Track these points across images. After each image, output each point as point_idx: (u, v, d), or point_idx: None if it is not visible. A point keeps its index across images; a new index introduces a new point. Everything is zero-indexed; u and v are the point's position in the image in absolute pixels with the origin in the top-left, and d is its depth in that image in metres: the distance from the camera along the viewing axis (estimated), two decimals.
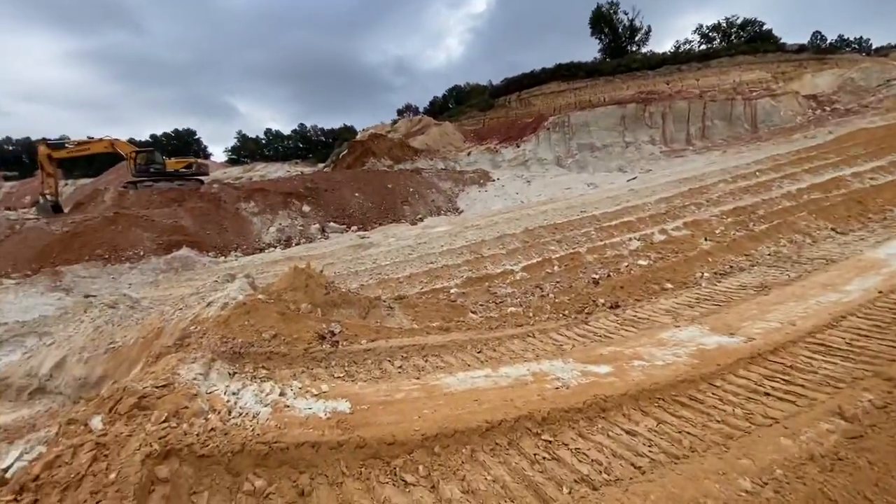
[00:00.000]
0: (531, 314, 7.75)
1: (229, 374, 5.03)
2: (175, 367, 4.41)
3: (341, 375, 5.30)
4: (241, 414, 3.85)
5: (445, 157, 33.29)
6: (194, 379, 4.23)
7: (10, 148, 75.10)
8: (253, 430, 3.62)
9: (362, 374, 5.40)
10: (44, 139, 26.71)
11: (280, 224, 24.13)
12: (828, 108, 31.28)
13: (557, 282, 10.07)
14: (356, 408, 4.20)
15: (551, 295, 8.96)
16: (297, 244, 22.70)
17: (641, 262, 10.31)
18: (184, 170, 27.77)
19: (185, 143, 75.61)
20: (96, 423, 3.47)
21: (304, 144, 68.82)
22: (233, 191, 25.94)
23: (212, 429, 3.53)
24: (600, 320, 7.22)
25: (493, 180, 28.71)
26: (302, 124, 73.87)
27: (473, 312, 8.25)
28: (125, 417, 3.50)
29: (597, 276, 9.79)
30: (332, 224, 24.12)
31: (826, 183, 15.80)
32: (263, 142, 72.54)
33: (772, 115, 31.50)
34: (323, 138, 67.39)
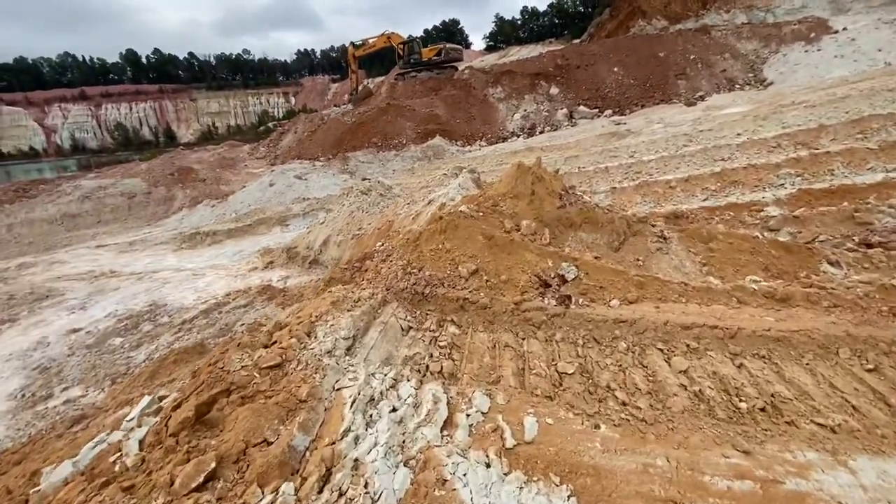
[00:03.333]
0: None
1: (402, 329, 3.23)
2: (314, 324, 2.82)
3: (572, 373, 2.84)
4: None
5: (752, 6, 22.93)
6: (321, 359, 2.49)
7: (334, 55, 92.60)
8: None
9: (610, 380, 2.80)
10: (352, 42, 30.06)
11: (525, 110, 21.56)
12: None
13: None
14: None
15: None
16: (540, 132, 19.95)
17: None
18: (435, 57, 27.31)
19: (450, 34, 77.93)
20: None
21: (560, 19, 60.91)
22: (482, 75, 24.27)
23: None
24: None
25: (835, 32, 18.26)
26: None
27: (833, 264, 4.26)
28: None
29: None
30: (581, 108, 20.10)
31: None
32: (519, 22, 67.77)
33: None
34: (581, 8, 57.84)
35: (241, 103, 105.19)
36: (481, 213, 4.51)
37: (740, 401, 2.69)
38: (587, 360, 3.01)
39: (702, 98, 17.57)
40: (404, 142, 21.50)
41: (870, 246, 4.97)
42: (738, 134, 10.62)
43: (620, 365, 2.99)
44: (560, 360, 3.00)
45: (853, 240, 5.14)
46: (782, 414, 2.58)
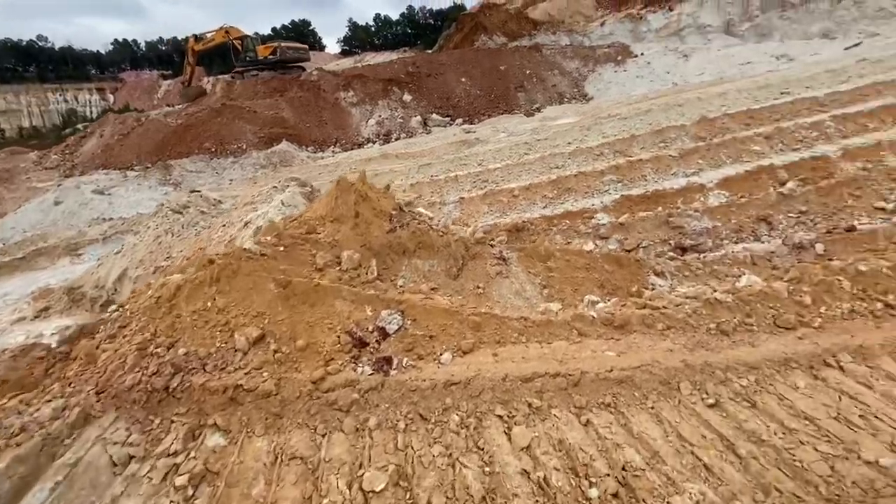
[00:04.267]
0: (803, 296, 3.47)
1: (113, 464, 1.94)
2: None
3: (382, 490, 1.93)
4: None
5: (572, 30, 25.78)
6: None
7: (163, 48, 79.71)
8: None
9: (434, 487, 1.97)
10: (194, 35, 25.72)
11: (379, 116, 20.72)
12: None
13: (803, 212, 5.32)
14: None
15: (813, 244, 4.41)
16: (396, 139, 19.32)
17: None
18: (271, 56, 24.67)
19: (301, 35, 73.55)
20: None
21: (413, 29, 61.79)
22: (332, 78, 22.73)
23: None
24: None
25: (635, 56, 21.39)
26: (410, 6, 66.07)
27: (659, 275, 4.18)
28: None
29: None
30: (434, 116, 20.06)
31: None
32: (373, 29, 66.83)
33: None
34: (431, 21, 59.51)
35: (38, 100, 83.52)
36: (282, 248, 3.38)
37: (590, 485, 2.10)
38: (407, 457, 2.14)
39: (538, 109, 18.88)
40: (244, 147, 18.84)
41: (683, 250, 5.17)
42: (569, 143, 11.26)
43: (450, 455, 2.19)
44: (370, 466, 2.07)
45: (670, 244, 5.35)
46: (636, 496, 2.05)
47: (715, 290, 3.53)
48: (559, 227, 5.96)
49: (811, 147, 7.92)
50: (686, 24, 23.57)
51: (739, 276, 4.01)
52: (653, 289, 4.02)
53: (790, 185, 5.88)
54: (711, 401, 2.64)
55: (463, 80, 21.48)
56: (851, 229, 4.60)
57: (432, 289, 3.74)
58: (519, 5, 30.99)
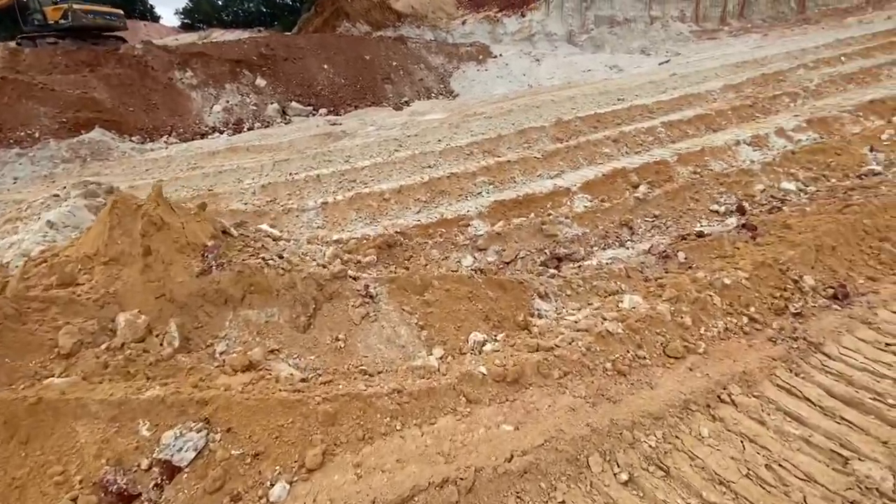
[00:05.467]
0: (683, 317, 3.28)
1: None
2: None
3: None
4: None
5: (435, 26, 25.56)
6: None
7: None
8: None
9: None
10: None
11: (227, 101, 17.72)
12: None
13: (657, 216, 5.48)
14: None
15: (676, 252, 4.42)
16: (249, 128, 16.70)
17: (811, 191, 5.71)
18: (62, 21, 19.13)
19: (126, 2, 60.80)
20: None
21: (268, 8, 55.55)
22: (163, 54, 18.70)
23: None
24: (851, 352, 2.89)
25: (495, 56, 22.03)
26: None
27: (544, 297, 3.71)
28: None
29: (740, 210, 5.28)
30: (294, 104, 17.89)
31: None
32: (220, 3, 58.31)
33: None
34: (290, 1, 54.24)
35: None
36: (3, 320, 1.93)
37: None
38: None
39: (407, 103, 18.15)
40: (37, 135, 14.33)
41: (559, 259, 4.87)
42: (439, 140, 10.72)
43: None
44: None
45: (545, 253, 5.04)
46: None
47: (604, 319, 3.15)
48: (435, 238, 5.25)
49: (649, 150, 8.61)
50: (536, 30, 25.16)
51: (620, 293, 3.77)
52: (539, 316, 3.53)
53: (642, 188, 6.06)
54: (625, 476, 2.15)
55: (325, 66, 19.59)
56: (701, 235, 4.75)
57: (272, 351, 2.65)
58: None
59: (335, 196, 7.70)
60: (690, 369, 2.86)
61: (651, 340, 3.05)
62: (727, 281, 3.50)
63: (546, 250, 5.02)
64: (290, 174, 9.57)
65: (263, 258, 2.94)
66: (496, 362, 2.67)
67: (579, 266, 4.63)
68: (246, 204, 7.91)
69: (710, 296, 3.39)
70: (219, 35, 48.95)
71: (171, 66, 18.31)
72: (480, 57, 21.84)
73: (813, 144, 6.56)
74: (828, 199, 5.14)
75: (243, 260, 2.90)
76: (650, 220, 5.42)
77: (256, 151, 12.62)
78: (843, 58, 14.11)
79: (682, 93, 12.37)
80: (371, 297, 3.22)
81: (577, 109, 12.39)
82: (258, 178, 9.67)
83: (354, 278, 3.28)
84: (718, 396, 2.66)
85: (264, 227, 4.27)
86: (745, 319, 3.31)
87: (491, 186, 7.54)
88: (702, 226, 5.31)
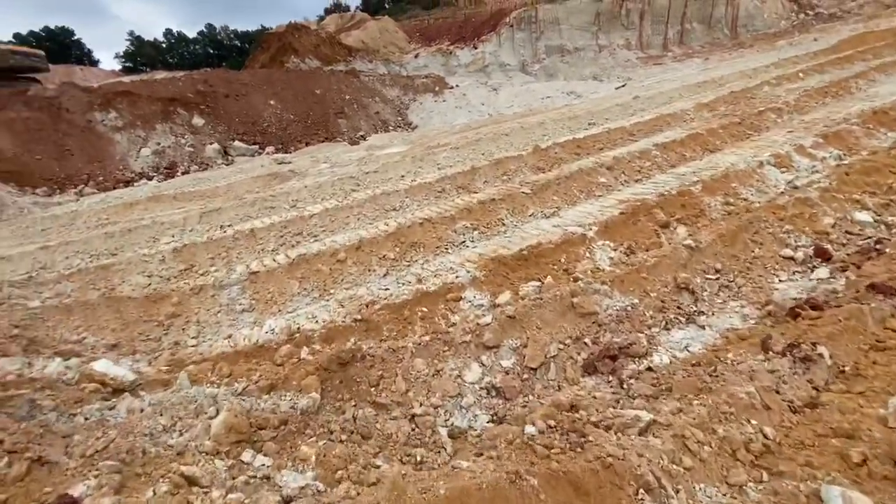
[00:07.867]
0: None
1: None
2: None
3: None
4: None
5: (388, 60, 24.37)
6: None
7: None
8: None
9: None
10: None
11: (158, 144, 15.29)
12: (810, 13, 25.91)
13: (719, 271, 3.86)
14: None
15: (814, 346, 2.73)
16: (184, 172, 14.30)
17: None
18: None
19: (61, 47, 56.56)
20: None
21: (216, 49, 53.15)
22: (82, 95, 16.13)
23: None
24: None
25: (451, 87, 20.93)
26: (210, 24, 56.86)
27: (652, 491, 1.84)
28: None
29: (821, 254, 3.77)
30: (237, 143, 15.72)
31: None
32: (164, 46, 55.31)
33: (754, 18, 25.69)
34: (237, 42, 52.11)
35: None
36: None
37: None
38: None
39: (363, 137, 16.46)
40: None
41: (612, 358, 3.08)
42: (403, 176, 8.98)
43: None
44: None
45: (585, 344, 3.26)
46: None
47: None
48: (415, 331, 3.35)
49: (651, 177, 7.23)
50: (490, 61, 24.53)
51: (766, 454, 2.02)
52: None
53: (681, 231, 4.48)
54: None
55: (272, 102, 17.64)
56: (815, 305, 3.12)
57: None
58: (332, 30, 28.39)
59: (272, 259, 5.66)
60: None
61: None
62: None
63: (586, 340, 3.25)
64: (220, 228, 7.45)
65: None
66: None
67: (648, 368, 2.88)
68: (149, 277, 5.71)
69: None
70: (163, 76, 46.00)
71: (91, 108, 15.74)
72: (437, 88, 20.66)
73: (863, 164, 5.28)
74: None
75: None
76: (713, 277, 3.79)
77: (185, 200, 10.34)
78: (801, 74, 13.82)
79: (656, 114, 11.34)
80: None
81: (549, 136, 11.08)
82: (179, 234, 7.45)
83: None
84: None
85: (100, 365, 2.23)
86: None
87: (476, 232, 5.79)
88: (783, 282, 3.72)
